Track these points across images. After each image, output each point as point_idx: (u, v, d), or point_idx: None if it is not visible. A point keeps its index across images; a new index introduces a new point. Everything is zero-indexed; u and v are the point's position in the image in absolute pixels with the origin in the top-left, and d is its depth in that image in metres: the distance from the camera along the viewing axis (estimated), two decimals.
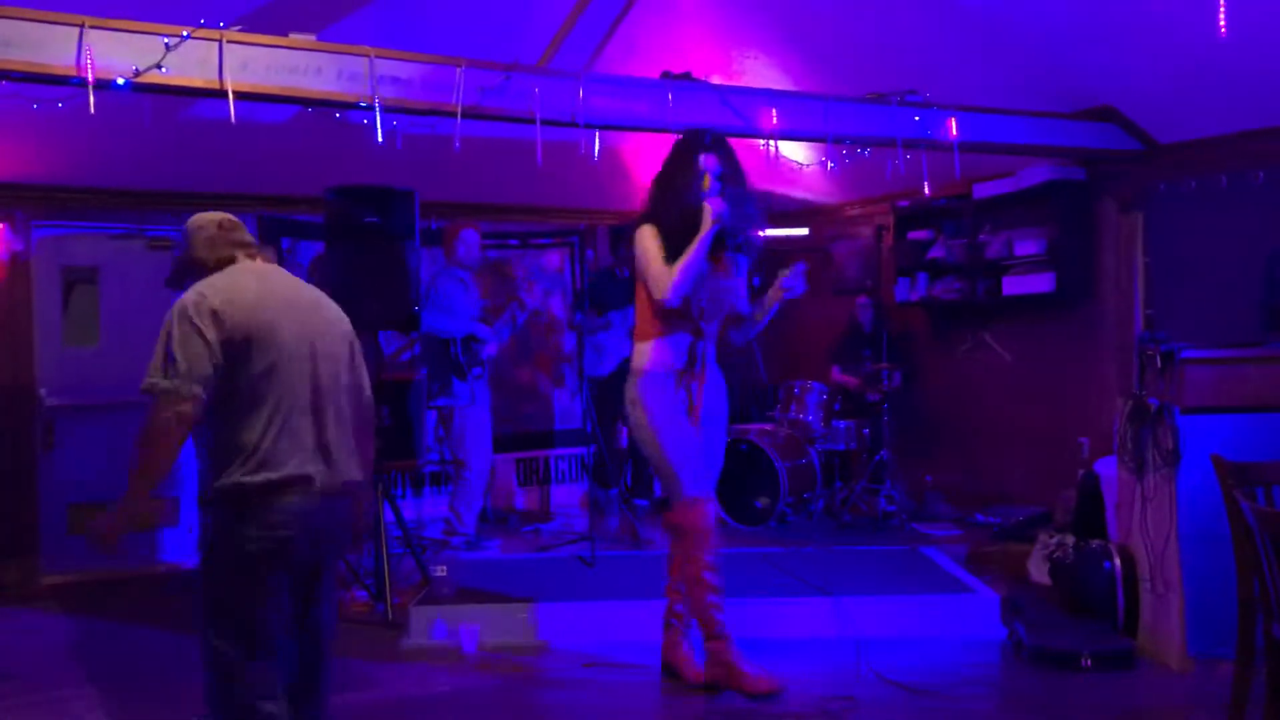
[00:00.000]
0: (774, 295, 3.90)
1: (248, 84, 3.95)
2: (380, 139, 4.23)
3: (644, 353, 3.96)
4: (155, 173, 5.98)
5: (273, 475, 2.57)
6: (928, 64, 5.57)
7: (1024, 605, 4.65)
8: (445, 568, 5.25)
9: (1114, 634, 4.42)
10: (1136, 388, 4.44)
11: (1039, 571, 5.34)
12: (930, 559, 5.53)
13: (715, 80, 5.61)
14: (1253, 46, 4.60)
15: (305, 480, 2.62)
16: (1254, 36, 4.53)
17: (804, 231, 8.00)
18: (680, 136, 4.07)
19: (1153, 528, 4.27)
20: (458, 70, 4.36)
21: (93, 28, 3.65)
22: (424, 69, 4.33)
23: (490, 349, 6.00)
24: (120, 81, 3.72)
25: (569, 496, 7.52)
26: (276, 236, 6.53)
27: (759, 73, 6.19)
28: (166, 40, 3.75)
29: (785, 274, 3.85)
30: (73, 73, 3.63)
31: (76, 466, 6.15)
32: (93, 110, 3.64)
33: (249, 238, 2.84)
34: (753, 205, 3.98)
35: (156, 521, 6.22)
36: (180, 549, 6.21)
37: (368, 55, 4.18)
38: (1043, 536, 5.48)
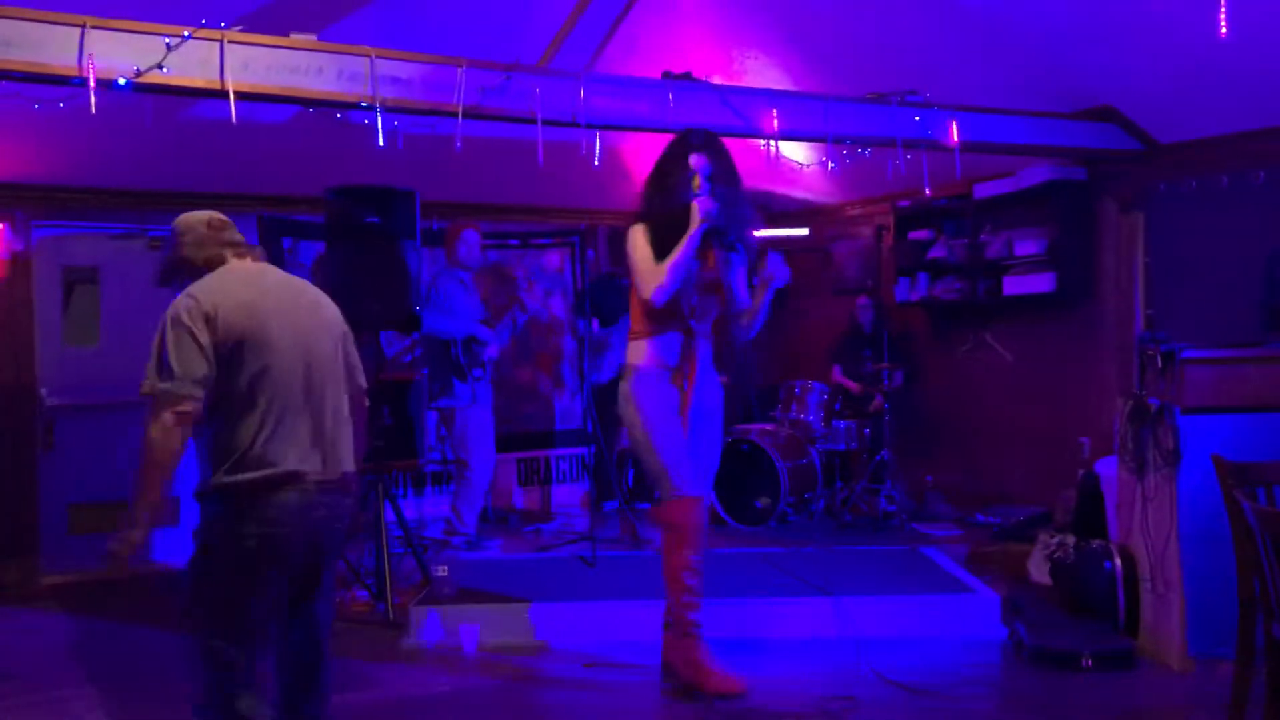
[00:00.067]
0: (761, 287, 3.90)
1: (249, 84, 3.96)
2: (381, 139, 4.24)
3: (636, 351, 3.97)
4: (156, 173, 5.98)
5: (268, 472, 2.59)
6: (928, 64, 5.57)
7: (1024, 605, 4.65)
8: (446, 567, 5.24)
9: (1114, 634, 4.42)
10: (1137, 388, 4.44)
11: (1039, 571, 5.34)
12: (931, 559, 5.53)
13: (716, 80, 5.61)
14: (1253, 46, 4.60)
15: (301, 477, 2.63)
16: (1254, 36, 4.53)
17: (804, 231, 7.99)
18: (673, 137, 4.07)
19: (1153, 528, 4.27)
20: (458, 70, 4.36)
21: (94, 28, 3.65)
22: (425, 69, 4.34)
23: (491, 351, 6.00)
24: (121, 81, 3.72)
25: (569, 496, 7.52)
26: (277, 236, 6.52)
27: (759, 73, 6.19)
28: (168, 40, 3.75)
29: (763, 267, 3.86)
30: (74, 73, 3.64)
31: (77, 466, 6.15)
32: (94, 110, 3.65)
33: (239, 236, 2.86)
34: (744, 205, 3.97)
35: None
36: (181, 549, 6.21)
37: (368, 55, 4.18)
38: (1043, 536, 5.48)
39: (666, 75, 5.11)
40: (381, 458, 5.27)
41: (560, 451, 7.55)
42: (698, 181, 3.84)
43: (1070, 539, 5.01)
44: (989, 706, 3.96)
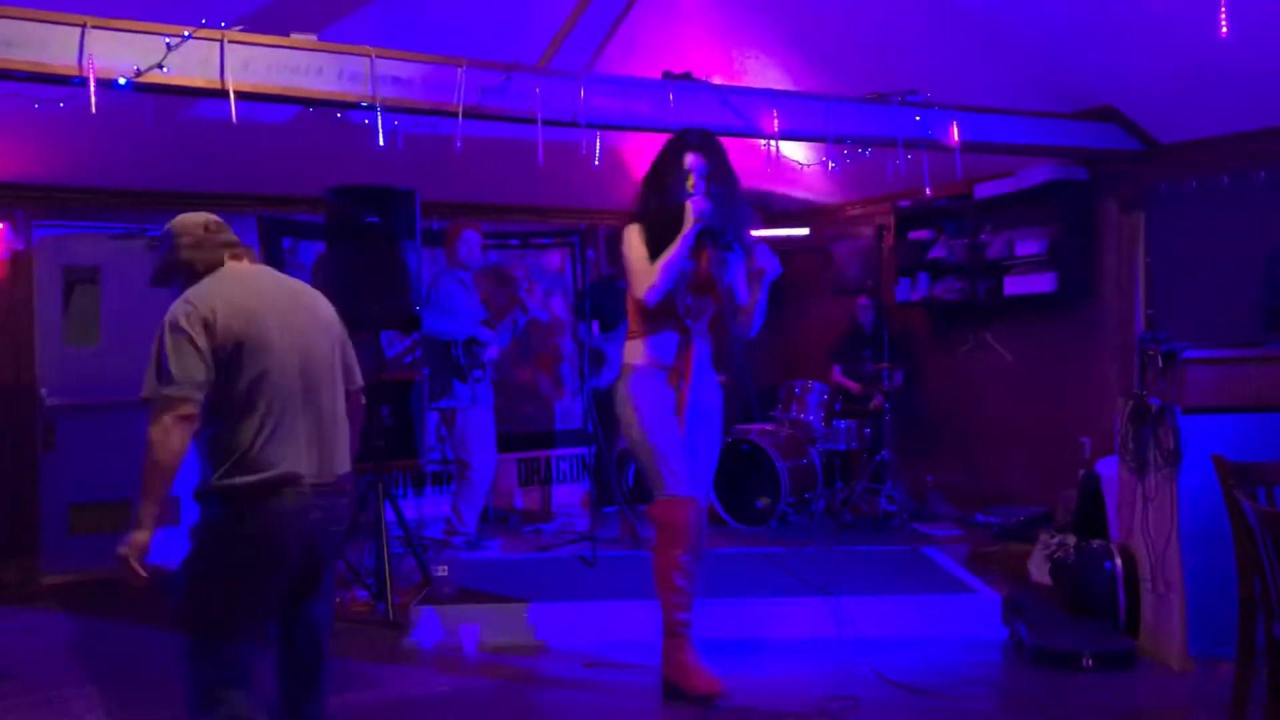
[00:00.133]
0: (755, 282, 3.89)
1: (249, 84, 3.96)
2: (381, 139, 4.23)
3: (633, 350, 3.97)
4: (156, 173, 5.98)
5: (265, 475, 2.60)
6: (928, 64, 5.57)
7: (1025, 605, 4.65)
8: (446, 567, 5.24)
9: (1115, 634, 4.42)
10: (1138, 388, 4.44)
11: (1040, 571, 5.34)
12: (931, 559, 5.53)
13: (716, 80, 5.61)
14: (1253, 46, 4.60)
15: (297, 480, 2.65)
16: (1255, 36, 4.53)
17: (805, 231, 8.00)
18: (670, 136, 4.07)
19: (1154, 528, 4.27)
20: (459, 70, 4.36)
21: (94, 28, 3.65)
22: (425, 69, 4.34)
23: (491, 352, 5.99)
24: (122, 81, 3.72)
25: (570, 496, 7.52)
26: (277, 236, 6.53)
27: (759, 73, 6.19)
28: (168, 40, 3.75)
29: (753, 261, 3.85)
30: (74, 72, 3.64)
31: (77, 466, 6.16)
32: (94, 110, 3.65)
33: (235, 238, 2.86)
34: (740, 204, 3.96)
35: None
36: (181, 549, 6.21)
37: (369, 55, 4.18)
38: (1044, 536, 5.49)
39: (667, 75, 5.10)
40: (382, 458, 5.27)
41: (560, 452, 7.55)
42: (692, 181, 3.84)
43: (1071, 539, 5.01)
44: (989, 706, 3.96)
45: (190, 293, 2.66)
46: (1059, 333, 6.45)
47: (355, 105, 4.24)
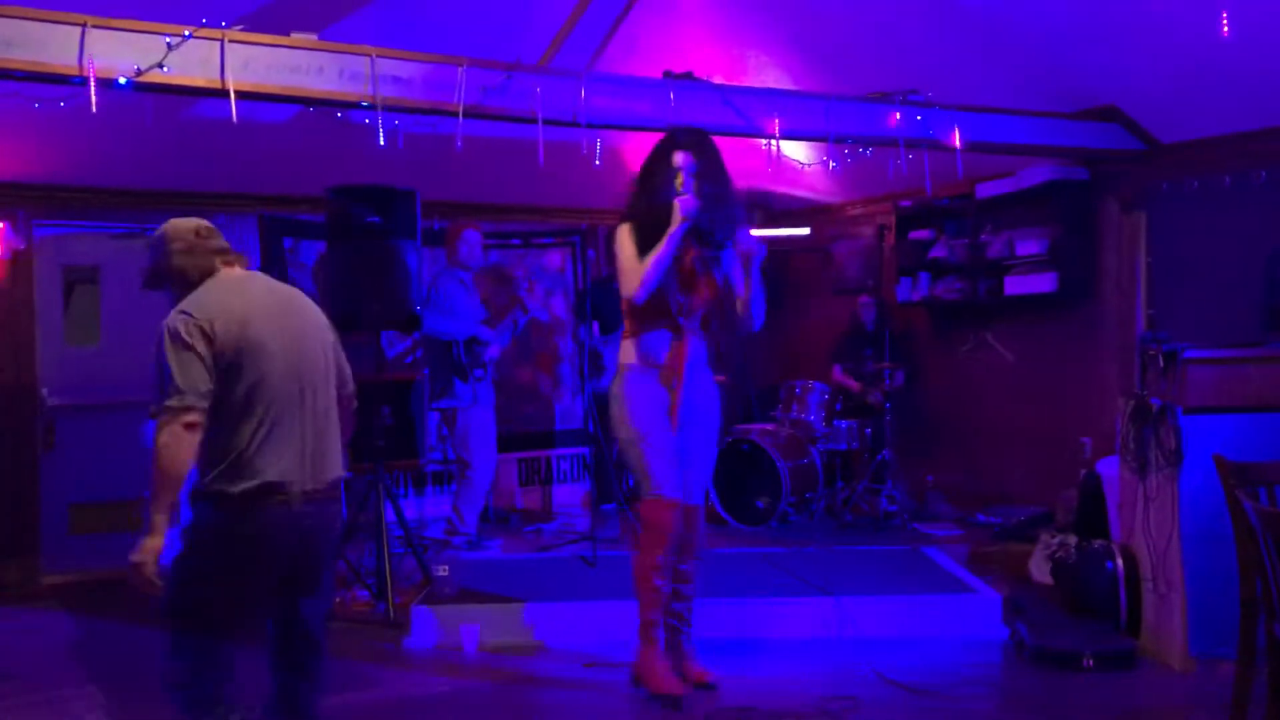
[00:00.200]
0: (745, 268, 3.88)
1: (249, 83, 3.95)
2: (382, 139, 4.23)
3: (626, 350, 3.99)
4: (156, 172, 5.98)
5: (259, 481, 2.63)
6: (929, 64, 5.56)
7: (1026, 605, 4.65)
8: (447, 567, 5.24)
9: (1116, 634, 4.42)
10: (1138, 387, 4.44)
11: (1040, 571, 5.33)
12: (932, 559, 5.53)
13: (717, 80, 5.60)
14: (1254, 46, 4.60)
15: (289, 486, 2.67)
16: (1255, 36, 4.53)
17: (805, 231, 8.00)
18: (662, 136, 4.08)
19: (1155, 528, 4.27)
20: (459, 70, 4.36)
21: (95, 27, 3.65)
22: (425, 68, 4.33)
23: (492, 351, 5.99)
24: (122, 81, 3.72)
25: (570, 496, 7.51)
26: (278, 236, 6.53)
27: (760, 72, 6.19)
28: (168, 40, 3.75)
29: (738, 246, 3.85)
30: (75, 72, 3.64)
31: (77, 466, 6.16)
32: (94, 110, 3.65)
33: (226, 244, 2.88)
34: (730, 203, 3.94)
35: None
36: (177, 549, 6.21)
37: (369, 55, 4.18)
38: (1044, 536, 5.48)
39: (667, 75, 5.10)
40: (382, 457, 5.27)
41: (561, 451, 7.55)
42: (681, 180, 3.84)
43: (1072, 539, 5.01)
44: (990, 706, 3.96)
45: (186, 302, 2.68)
46: (1060, 333, 6.45)
47: (356, 105, 4.24)
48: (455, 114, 4.36)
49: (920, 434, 7.28)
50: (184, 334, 2.59)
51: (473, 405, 5.91)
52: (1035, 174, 6.25)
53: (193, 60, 3.83)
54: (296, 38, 4.08)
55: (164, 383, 2.57)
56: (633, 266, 3.83)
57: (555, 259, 7.64)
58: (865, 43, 5.69)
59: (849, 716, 3.75)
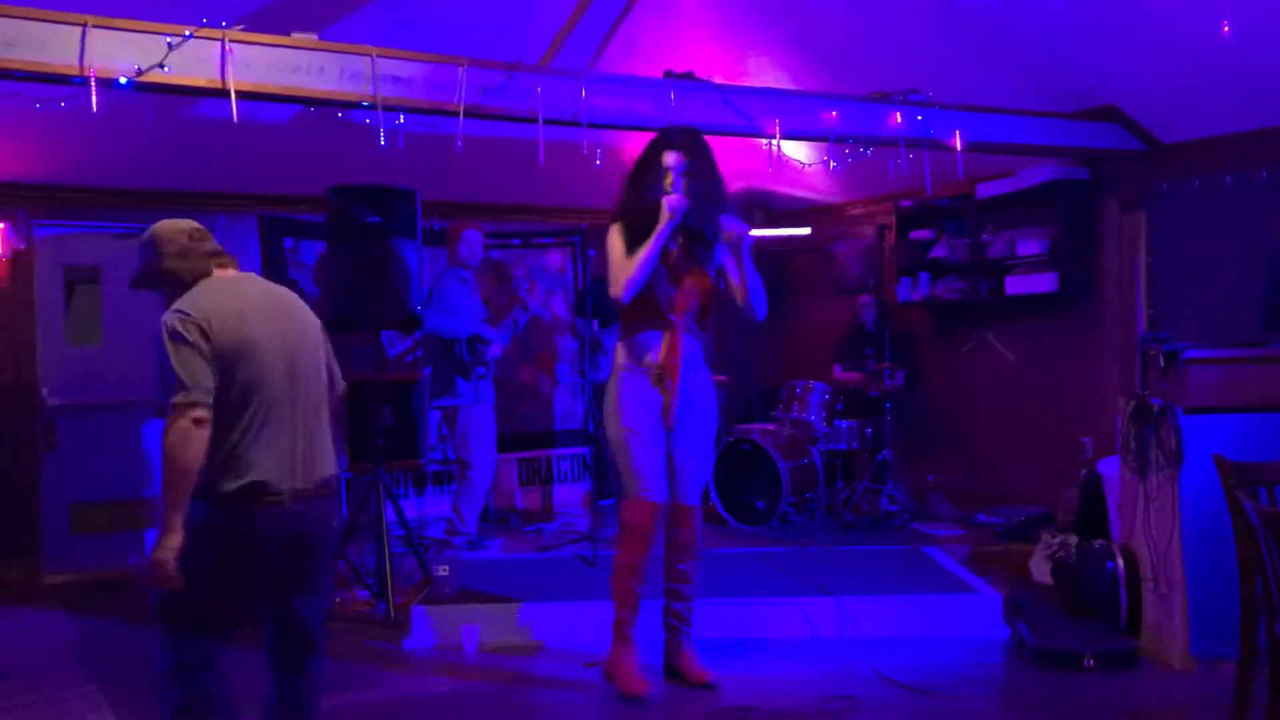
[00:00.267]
0: (735, 254, 3.87)
1: (250, 83, 3.95)
2: (383, 139, 4.23)
3: (620, 350, 4.00)
4: (157, 172, 5.98)
5: (251, 480, 2.64)
6: (930, 64, 5.56)
7: (1026, 605, 4.65)
8: (447, 567, 5.23)
9: (1116, 634, 4.42)
10: (1139, 387, 4.44)
11: (1041, 571, 5.33)
12: (932, 559, 5.53)
13: (718, 80, 5.60)
14: (1255, 46, 4.60)
15: (280, 485, 2.68)
16: (1256, 36, 4.52)
17: (806, 231, 8.00)
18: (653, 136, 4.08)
19: (1155, 528, 4.27)
20: (460, 69, 4.36)
21: (95, 27, 3.65)
22: (426, 68, 4.33)
23: (494, 350, 6.00)
24: (123, 81, 3.72)
25: (571, 496, 7.51)
26: (279, 236, 6.52)
27: (761, 72, 6.18)
28: (169, 39, 3.75)
29: (722, 233, 3.84)
30: (75, 72, 3.64)
31: (78, 466, 6.16)
32: (95, 110, 3.65)
33: (218, 246, 2.89)
34: (719, 201, 3.93)
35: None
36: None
37: (370, 55, 4.18)
38: (1045, 536, 5.48)
39: (668, 75, 5.10)
40: (383, 457, 5.27)
41: (561, 451, 7.55)
42: (670, 179, 3.84)
43: (1072, 539, 5.01)
44: (990, 706, 3.95)
45: (182, 302, 2.69)
46: (1060, 332, 6.45)
47: (356, 105, 4.24)
48: (456, 114, 4.36)
49: (921, 434, 7.28)
50: (183, 331, 2.60)
51: (475, 404, 5.92)
52: (1036, 174, 6.25)
53: (193, 60, 3.83)
54: (297, 37, 4.08)
55: (168, 380, 2.58)
56: (620, 265, 3.84)
57: (555, 259, 7.64)
58: (866, 43, 5.69)
59: (849, 716, 3.74)
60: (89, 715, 3.90)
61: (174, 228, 2.83)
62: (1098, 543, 4.73)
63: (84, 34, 3.63)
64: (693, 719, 3.77)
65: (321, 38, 4.16)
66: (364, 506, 5.26)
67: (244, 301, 2.74)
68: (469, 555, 5.76)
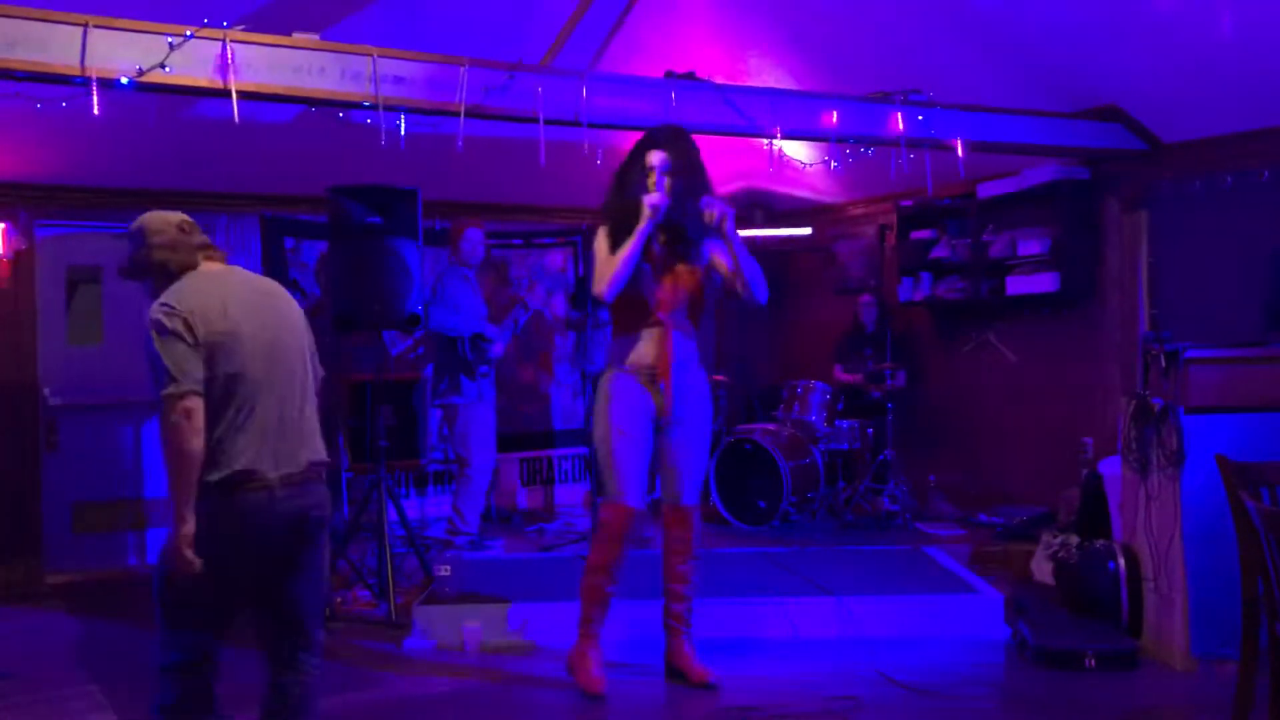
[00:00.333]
0: (721, 235, 3.82)
1: (251, 83, 3.95)
2: (383, 139, 4.23)
3: (612, 350, 4.00)
4: (158, 172, 5.98)
5: (237, 469, 2.65)
6: (931, 63, 5.56)
7: (1028, 605, 4.65)
8: (448, 567, 5.24)
9: (1118, 634, 4.42)
10: (1141, 387, 4.44)
11: (1042, 571, 5.33)
12: (934, 559, 5.53)
13: (719, 80, 5.60)
14: (1257, 46, 4.59)
15: (265, 473, 2.70)
16: (1258, 36, 4.52)
17: (807, 231, 8.00)
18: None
19: (1157, 528, 4.26)
20: (461, 69, 4.36)
21: (96, 27, 3.65)
22: (427, 68, 4.33)
23: (496, 349, 6.00)
24: (124, 81, 3.72)
25: (572, 496, 7.52)
26: (280, 236, 6.53)
27: (762, 72, 6.18)
28: (170, 40, 3.75)
29: (704, 212, 3.80)
30: (76, 72, 3.64)
31: (80, 466, 6.16)
32: (96, 110, 3.65)
33: (206, 238, 2.90)
34: (700, 193, 3.88)
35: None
36: None
37: (371, 55, 4.18)
38: (1046, 536, 5.48)
39: (669, 75, 5.10)
40: (384, 457, 5.27)
41: (563, 451, 7.56)
42: (653, 178, 3.84)
43: (1074, 539, 5.00)
44: (992, 706, 3.96)
45: (167, 295, 2.70)
46: (1062, 332, 6.44)
47: (357, 105, 4.24)
48: (457, 114, 4.36)
49: (922, 434, 7.28)
50: (168, 324, 2.62)
51: (477, 402, 5.93)
52: (1037, 174, 6.25)
53: (194, 60, 3.83)
54: (298, 38, 4.08)
55: (158, 374, 2.61)
56: (603, 264, 3.85)
57: (556, 259, 7.64)
58: (866, 42, 5.68)
59: (851, 716, 3.74)
60: (90, 715, 3.90)
61: (163, 219, 2.84)
62: (1099, 543, 4.73)
63: (85, 34, 3.62)
64: (692, 719, 3.77)
65: (322, 38, 4.16)
66: (365, 506, 5.26)
67: (228, 294, 2.76)
68: (470, 555, 5.76)
